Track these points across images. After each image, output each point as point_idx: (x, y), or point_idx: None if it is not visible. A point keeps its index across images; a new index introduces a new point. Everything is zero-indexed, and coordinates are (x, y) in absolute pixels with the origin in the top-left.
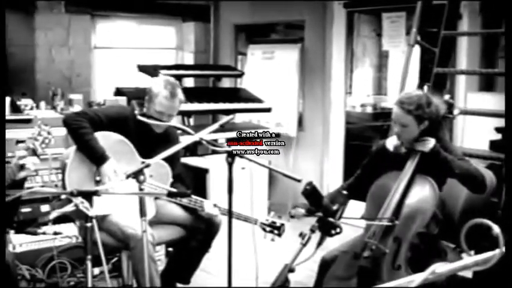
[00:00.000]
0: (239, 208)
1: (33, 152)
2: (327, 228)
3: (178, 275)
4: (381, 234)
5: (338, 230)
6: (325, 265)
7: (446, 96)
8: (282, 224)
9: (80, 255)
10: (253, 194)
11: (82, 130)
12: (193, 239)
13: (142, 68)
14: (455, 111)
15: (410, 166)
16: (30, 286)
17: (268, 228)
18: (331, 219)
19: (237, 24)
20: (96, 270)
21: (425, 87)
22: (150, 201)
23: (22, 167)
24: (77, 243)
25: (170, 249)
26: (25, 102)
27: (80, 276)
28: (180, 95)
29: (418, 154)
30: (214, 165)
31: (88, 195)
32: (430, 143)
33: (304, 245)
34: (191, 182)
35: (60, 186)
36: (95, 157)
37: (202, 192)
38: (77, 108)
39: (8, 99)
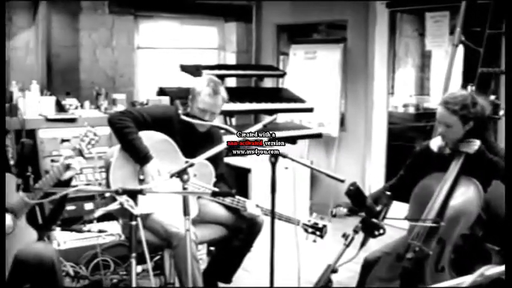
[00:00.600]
0: (281, 208)
1: (79, 153)
2: (370, 229)
3: (220, 274)
4: (424, 236)
5: (381, 231)
6: (368, 266)
7: (492, 97)
8: (324, 226)
9: (122, 253)
10: (296, 194)
11: (126, 129)
12: (236, 239)
13: (185, 68)
14: (501, 112)
15: (454, 167)
16: (74, 283)
17: (310, 230)
18: (374, 220)
19: (279, 24)
20: (139, 268)
21: (469, 88)
22: (193, 201)
23: (68, 167)
24: (120, 241)
25: (212, 248)
26: (70, 102)
27: (123, 274)
28: (223, 93)
29: (463, 155)
30: (256, 164)
31: (133, 194)
32: (475, 144)
33: (347, 245)
34: (233, 181)
35: (104, 185)
36: (139, 157)
37: (244, 191)
38: (120, 107)
39: (53, 99)
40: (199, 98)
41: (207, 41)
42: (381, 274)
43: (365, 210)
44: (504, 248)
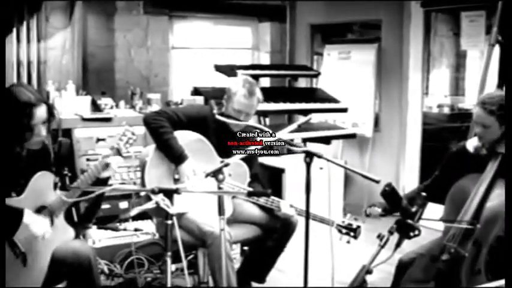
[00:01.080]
0: (315, 208)
1: (118, 152)
2: (405, 230)
3: (253, 274)
4: (460, 237)
5: (416, 232)
6: (402, 268)
7: None
8: (358, 227)
9: (156, 252)
10: (330, 194)
11: (162, 129)
12: (269, 239)
13: (219, 68)
14: None
15: (491, 168)
16: (108, 281)
17: (344, 230)
18: (410, 221)
19: (313, 24)
20: (173, 267)
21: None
22: (227, 200)
23: (107, 166)
24: (154, 240)
25: (245, 248)
26: (105, 102)
27: (157, 272)
28: (258, 94)
29: (500, 156)
30: (290, 164)
31: (169, 193)
32: None
33: (382, 246)
34: (266, 181)
35: (139, 184)
36: (174, 156)
37: (277, 191)
38: (155, 107)
39: (88, 99)
40: (234, 99)
41: (241, 41)
42: (415, 276)
43: (400, 211)
44: (506, 248)
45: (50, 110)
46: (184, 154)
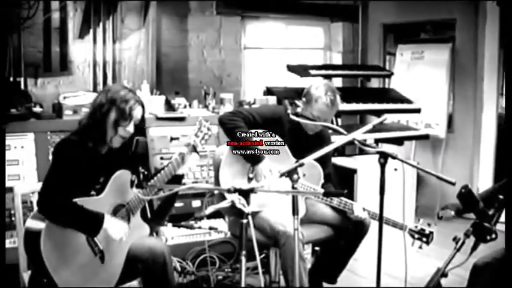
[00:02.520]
0: (387, 210)
1: (194, 149)
2: (482, 233)
3: (325, 274)
4: None
5: (494, 236)
6: (477, 272)
7: None
8: (431, 232)
9: (227, 250)
10: (404, 196)
11: (238, 129)
12: (342, 239)
13: (292, 68)
14: None
15: None
16: (180, 278)
17: (416, 236)
18: (487, 225)
19: (386, 24)
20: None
21: None
22: (301, 200)
23: (183, 161)
24: (226, 239)
25: (317, 248)
26: (178, 101)
27: (228, 271)
28: (339, 102)
29: None
30: (362, 165)
31: (245, 193)
32: None
33: (458, 249)
34: (337, 182)
35: (211, 183)
36: (251, 156)
37: (349, 193)
38: (228, 107)
39: (162, 98)
40: (315, 105)
41: (313, 41)
42: (489, 281)
43: (477, 214)
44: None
45: (144, 112)
46: (261, 154)
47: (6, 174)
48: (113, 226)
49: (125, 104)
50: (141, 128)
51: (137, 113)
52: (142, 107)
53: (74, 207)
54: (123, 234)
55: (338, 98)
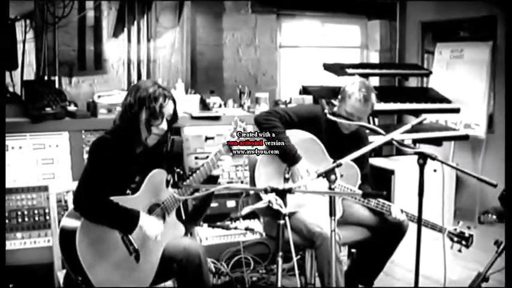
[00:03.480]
0: (425, 212)
1: (230, 149)
2: None
3: (361, 277)
4: None
5: None
6: None
7: None
8: (471, 235)
9: (262, 251)
10: (443, 198)
11: (274, 129)
12: (379, 242)
13: (328, 67)
14: None
15: None
16: (214, 279)
17: (456, 239)
18: None
19: (424, 22)
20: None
21: None
22: (338, 201)
23: (218, 163)
24: (261, 239)
25: (353, 250)
26: (213, 100)
27: (262, 272)
28: (374, 99)
29: None
30: (400, 166)
31: (282, 193)
32: None
33: (499, 254)
34: (373, 183)
35: (246, 183)
36: (288, 157)
37: (386, 194)
38: (263, 106)
39: (197, 97)
40: (348, 101)
41: (349, 39)
42: None
43: None
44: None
45: (175, 107)
46: (298, 154)
47: (41, 173)
48: (149, 224)
49: (154, 102)
50: (174, 124)
51: (168, 109)
52: (174, 101)
53: (110, 204)
54: (158, 232)
55: (373, 95)
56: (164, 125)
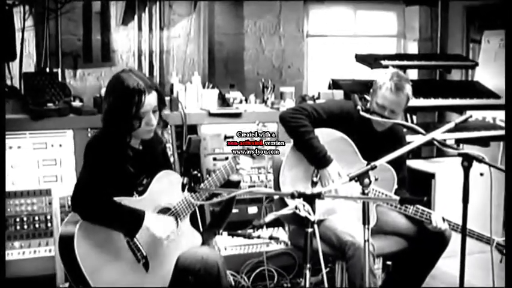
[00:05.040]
0: (471, 221)
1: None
2: None
3: None
4: None
5: None
6: None
7: None
8: None
9: (287, 263)
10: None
11: (302, 128)
12: (417, 254)
13: (361, 58)
14: None
15: None
16: None
17: (505, 251)
18: None
19: (469, 7)
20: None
21: None
22: (371, 208)
23: (237, 170)
24: (286, 250)
25: (389, 262)
26: (233, 95)
27: (287, 286)
28: (408, 89)
29: None
30: (441, 169)
31: (310, 198)
32: None
33: None
34: (411, 187)
35: (270, 187)
36: (317, 158)
37: (426, 200)
38: (288, 102)
39: (215, 92)
40: (379, 93)
41: (384, 27)
42: None
43: None
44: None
45: (161, 96)
46: (329, 156)
47: (42, 175)
48: (157, 223)
49: (132, 98)
50: (162, 110)
51: (150, 102)
52: (156, 90)
53: (110, 202)
54: (169, 232)
55: (407, 85)
56: (151, 119)
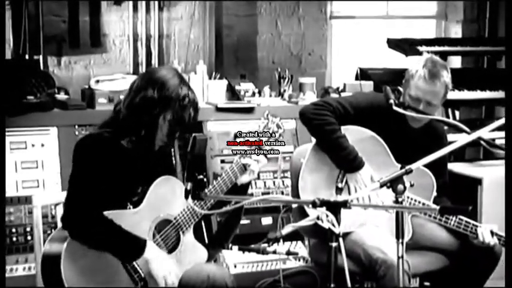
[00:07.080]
0: None
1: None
2: None
3: None
4: None
5: None
6: None
7: None
8: None
9: (307, 282)
10: None
11: (328, 127)
12: (461, 273)
13: (394, 43)
14: None
15: None
16: None
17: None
18: None
19: None
20: None
21: None
22: (406, 219)
23: (244, 169)
24: (306, 267)
25: (426, 283)
26: (245, 87)
27: None
28: (446, 77)
29: None
30: (490, 174)
31: (334, 207)
32: None
33: None
34: (453, 195)
35: (287, 194)
36: (347, 160)
37: (471, 210)
38: (309, 95)
39: (224, 83)
40: (412, 83)
41: (422, 7)
42: None
43: None
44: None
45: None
46: (361, 158)
47: (21, 180)
48: (157, 260)
49: (184, 110)
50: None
51: (194, 117)
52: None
53: (108, 224)
54: (167, 272)
55: (444, 72)
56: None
